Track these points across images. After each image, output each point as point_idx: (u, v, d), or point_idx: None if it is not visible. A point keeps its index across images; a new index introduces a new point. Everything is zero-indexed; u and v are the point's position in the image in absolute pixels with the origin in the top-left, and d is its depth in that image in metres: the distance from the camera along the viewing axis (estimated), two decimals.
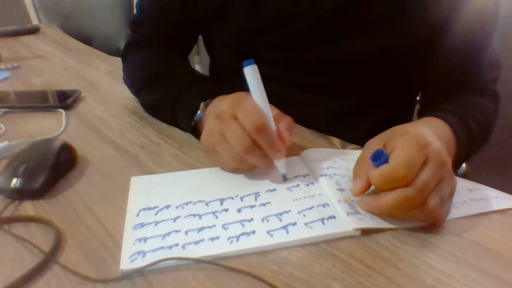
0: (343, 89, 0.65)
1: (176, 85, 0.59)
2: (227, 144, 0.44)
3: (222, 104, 0.46)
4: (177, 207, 0.43)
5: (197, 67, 1.32)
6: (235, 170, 0.48)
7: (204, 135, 0.48)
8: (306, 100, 0.67)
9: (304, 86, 0.66)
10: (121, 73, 0.73)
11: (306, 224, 0.40)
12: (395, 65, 0.62)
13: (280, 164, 0.47)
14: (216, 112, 0.46)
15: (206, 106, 0.53)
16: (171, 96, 0.58)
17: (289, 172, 0.49)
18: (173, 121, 0.61)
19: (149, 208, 0.43)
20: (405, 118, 0.75)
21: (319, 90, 0.66)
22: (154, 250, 0.37)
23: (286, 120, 0.47)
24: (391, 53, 0.59)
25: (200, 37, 0.78)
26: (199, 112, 0.54)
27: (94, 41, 1.41)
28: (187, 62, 0.77)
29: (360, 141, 0.56)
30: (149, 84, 0.65)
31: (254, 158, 0.44)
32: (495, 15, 0.59)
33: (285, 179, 0.47)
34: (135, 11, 0.76)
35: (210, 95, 0.53)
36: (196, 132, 0.55)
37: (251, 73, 0.45)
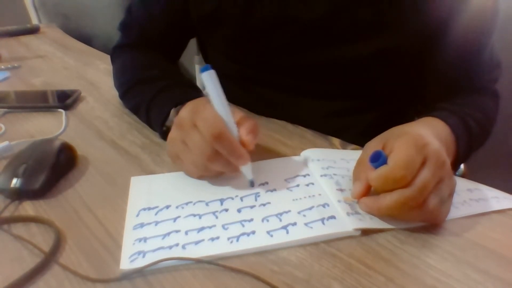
0: (339, 92, 0.65)
1: (150, 91, 0.59)
2: (190, 152, 0.44)
3: (181, 112, 0.45)
4: (177, 207, 0.43)
5: (197, 67, 1.32)
6: (202, 177, 0.47)
7: (167, 143, 0.48)
8: (300, 103, 0.67)
9: (298, 90, 0.66)
10: None
11: (306, 224, 0.40)
12: (391, 68, 0.61)
13: (246, 169, 0.45)
14: (176, 120, 0.46)
15: (177, 112, 0.51)
16: (145, 103, 0.58)
17: (289, 172, 0.49)
18: (151, 128, 0.60)
19: (149, 208, 0.43)
20: (405, 116, 0.75)
21: (314, 93, 0.66)
22: (154, 250, 0.37)
23: (249, 124, 0.45)
24: (386, 56, 0.59)
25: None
26: (170, 118, 0.53)
27: (94, 41, 1.41)
28: (175, 64, 0.77)
29: (358, 141, 0.56)
30: (129, 90, 0.65)
31: (217, 165, 0.44)
32: (494, 14, 0.58)
33: (252, 185, 0.46)
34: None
35: (181, 101, 0.51)
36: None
37: (209, 79, 0.44)
